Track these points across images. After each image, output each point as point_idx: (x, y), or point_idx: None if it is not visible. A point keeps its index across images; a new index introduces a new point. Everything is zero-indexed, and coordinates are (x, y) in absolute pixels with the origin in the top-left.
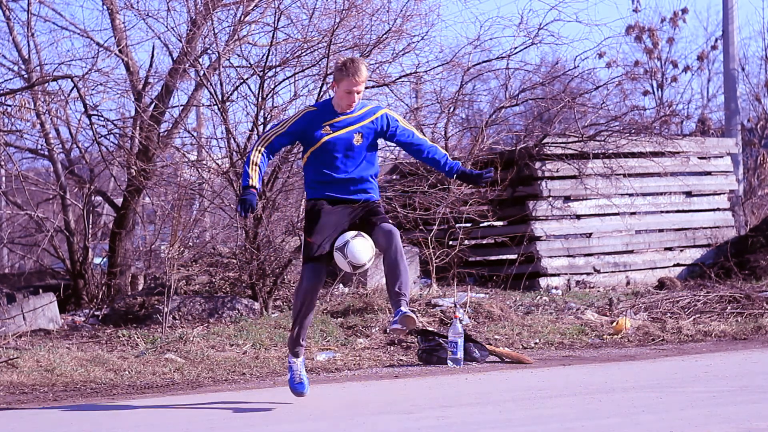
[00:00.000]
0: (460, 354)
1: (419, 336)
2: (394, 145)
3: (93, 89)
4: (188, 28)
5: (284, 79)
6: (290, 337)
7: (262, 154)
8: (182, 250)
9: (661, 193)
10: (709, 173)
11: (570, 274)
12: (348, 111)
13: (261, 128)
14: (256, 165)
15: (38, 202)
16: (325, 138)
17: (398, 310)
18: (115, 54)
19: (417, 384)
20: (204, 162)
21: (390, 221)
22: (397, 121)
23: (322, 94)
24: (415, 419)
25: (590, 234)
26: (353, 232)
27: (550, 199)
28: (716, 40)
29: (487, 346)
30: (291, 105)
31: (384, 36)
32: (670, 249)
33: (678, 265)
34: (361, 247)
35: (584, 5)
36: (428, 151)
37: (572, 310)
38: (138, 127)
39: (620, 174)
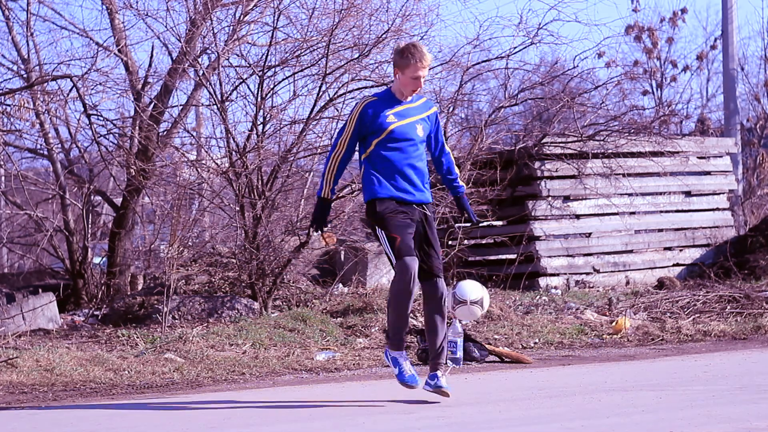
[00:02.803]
0: (460, 354)
1: (419, 336)
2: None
3: (92, 89)
4: (187, 28)
5: (283, 79)
6: (393, 334)
7: (338, 168)
8: (182, 249)
9: (660, 193)
10: (708, 173)
11: (569, 273)
12: (409, 99)
13: (260, 128)
14: (332, 177)
15: (38, 202)
16: (392, 126)
17: (434, 375)
18: (115, 54)
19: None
20: (203, 162)
21: (442, 273)
22: (440, 126)
23: (321, 93)
24: (415, 419)
25: (590, 234)
26: (475, 290)
27: (550, 198)
28: (716, 40)
29: (486, 345)
30: (290, 105)
31: (383, 36)
32: (669, 249)
33: (677, 264)
34: (471, 287)
35: (584, 5)
36: (448, 163)
37: (572, 309)
38: (137, 127)
39: (619, 174)
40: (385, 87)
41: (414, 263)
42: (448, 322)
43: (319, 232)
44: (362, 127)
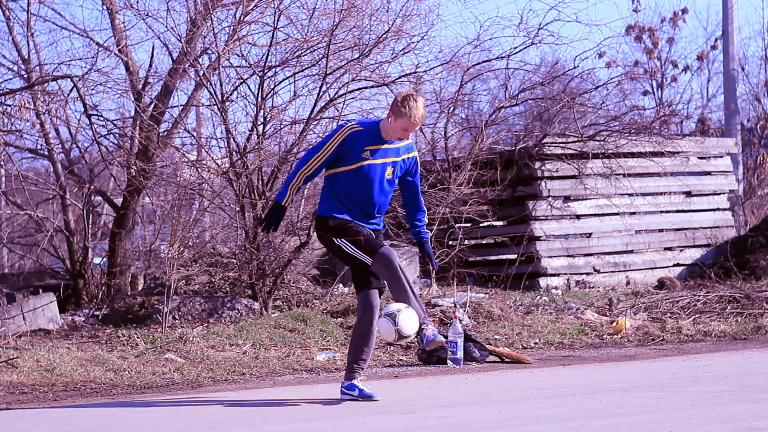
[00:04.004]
0: (460, 354)
1: (419, 336)
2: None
3: (93, 89)
4: (188, 28)
5: (284, 79)
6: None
7: (302, 183)
8: (182, 250)
9: (660, 193)
10: (708, 173)
11: (570, 274)
12: (391, 141)
13: (261, 128)
14: (294, 190)
15: (38, 202)
16: (364, 163)
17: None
18: (115, 54)
19: (417, 384)
20: (204, 162)
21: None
22: (418, 168)
23: (321, 94)
24: (415, 419)
25: (590, 234)
26: (403, 304)
27: (550, 199)
28: (716, 40)
29: (487, 346)
30: (291, 105)
31: (384, 36)
32: (669, 249)
33: (678, 265)
34: (411, 320)
35: (584, 5)
36: (419, 208)
37: (572, 310)
38: (138, 127)
39: (620, 174)
40: (376, 118)
41: (392, 250)
42: (448, 323)
43: (270, 234)
44: (339, 152)
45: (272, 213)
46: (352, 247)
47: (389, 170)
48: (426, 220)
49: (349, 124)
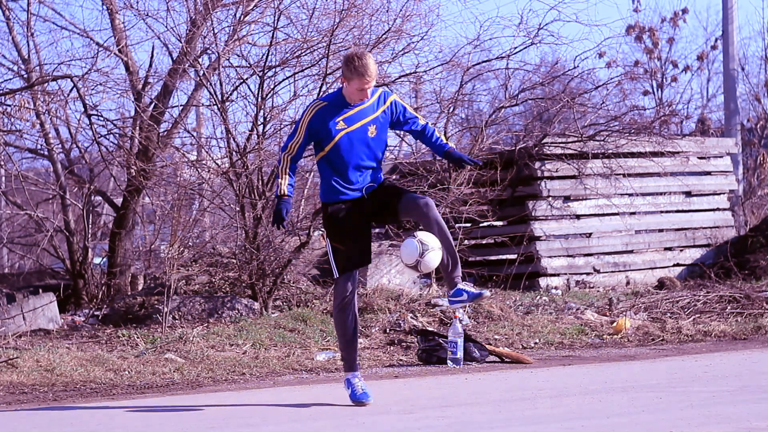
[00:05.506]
0: (460, 354)
1: (419, 336)
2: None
3: (93, 89)
4: (188, 28)
5: (284, 79)
6: (344, 357)
7: (290, 165)
8: (182, 250)
9: (660, 193)
10: (708, 173)
11: (570, 274)
12: (360, 102)
13: (261, 128)
14: (285, 174)
15: (38, 202)
16: (341, 134)
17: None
18: (115, 54)
19: (417, 384)
20: (204, 162)
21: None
22: (405, 108)
23: (321, 94)
24: (415, 419)
25: (590, 234)
26: (439, 244)
27: (550, 199)
28: (716, 40)
29: (486, 346)
30: (291, 105)
31: (384, 36)
32: (669, 249)
33: (678, 265)
34: (436, 260)
35: (584, 5)
36: (430, 135)
37: (572, 310)
38: (138, 127)
39: (620, 174)
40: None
41: (350, 284)
42: (448, 323)
43: (281, 228)
44: (312, 135)
45: (276, 207)
46: (331, 252)
47: (371, 128)
48: (440, 135)
49: (313, 103)
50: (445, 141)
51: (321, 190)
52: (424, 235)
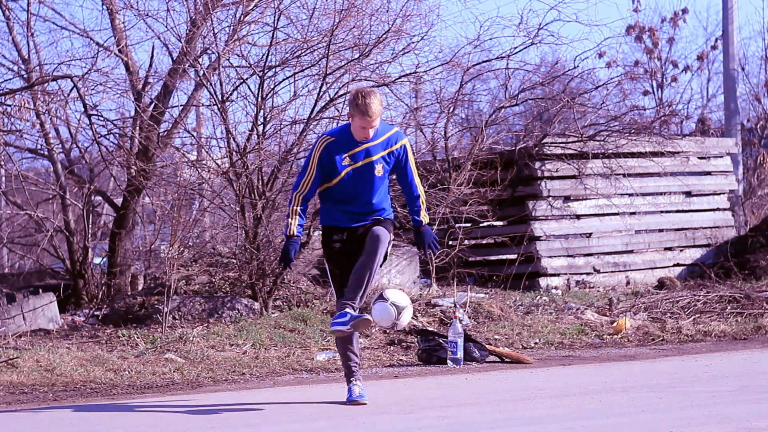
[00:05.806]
0: (460, 354)
1: (419, 336)
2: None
3: (93, 89)
4: (188, 28)
5: (284, 79)
6: (344, 366)
7: (301, 206)
8: (182, 250)
9: (660, 193)
10: (708, 173)
11: (570, 274)
12: (367, 140)
13: (261, 128)
14: (296, 215)
15: (38, 202)
16: (347, 169)
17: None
18: (115, 54)
19: (417, 384)
20: (204, 162)
21: (384, 228)
22: (407, 159)
23: (321, 94)
24: (415, 419)
25: (590, 234)
26: (408, 300)
27: (550, 199)
28: (716, 40)
29: (487, 346)
30: (291, 105)
31: (384, 36)
32: (669, 249)
33: (678, 265)
34: (409, 316)
35: (584, 5)
36: (413, 194)
37: (572, 310)
38: (138, 127)
39: (620, 174)
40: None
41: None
42: (448, 323)
43: (288, 269)
44: (322, 168)
45: (284, 248)
46: (329, 273)
47: (378, 168)
48: (421, 204)
49: (322, 138)
50: (421, 217)
51: (321, 213)
52: (393, 295)
